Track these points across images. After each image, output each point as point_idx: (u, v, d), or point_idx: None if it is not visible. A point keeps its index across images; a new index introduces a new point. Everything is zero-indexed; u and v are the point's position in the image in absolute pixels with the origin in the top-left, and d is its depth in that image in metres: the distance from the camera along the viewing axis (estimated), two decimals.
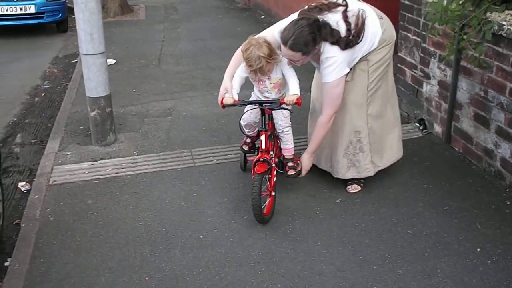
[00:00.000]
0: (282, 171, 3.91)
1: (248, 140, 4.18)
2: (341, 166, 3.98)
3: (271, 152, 3.74)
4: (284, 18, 3.66)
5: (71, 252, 3.47)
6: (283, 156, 3.98)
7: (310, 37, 3.37)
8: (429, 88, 4.88)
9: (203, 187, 4.20)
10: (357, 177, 4.02)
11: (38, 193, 4.25)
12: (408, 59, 5.18)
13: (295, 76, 3.66)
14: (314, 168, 4.30)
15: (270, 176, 3.67)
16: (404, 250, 3.35)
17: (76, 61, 8.50)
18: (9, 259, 3.57)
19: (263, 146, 3.62)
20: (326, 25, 3.44)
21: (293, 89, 3.61)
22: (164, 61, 8.06)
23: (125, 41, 9.45)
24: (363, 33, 3.55)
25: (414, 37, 5.03)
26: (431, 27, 4.11)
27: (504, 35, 3.72)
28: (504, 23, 3.70)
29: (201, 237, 3.56)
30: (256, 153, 3.98)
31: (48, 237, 3.65)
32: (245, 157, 4.32)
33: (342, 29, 3.49)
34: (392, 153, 4.12)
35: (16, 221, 4.09)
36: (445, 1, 3.92)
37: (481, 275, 3.12)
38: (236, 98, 3.66)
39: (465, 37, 3.88)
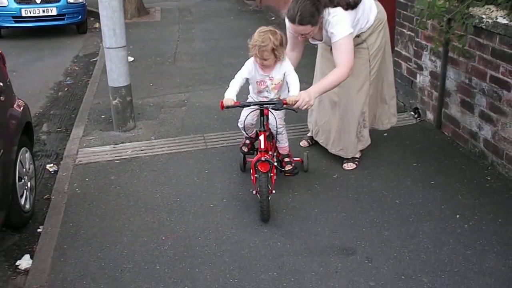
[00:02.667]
0: (282, 169, 4.13)
1: (248, 141, 4.29)
2: (353, 147, 4.42)
3: (270, 152, 3.91)
4: None
5: (97, 217, 3.94)
6: (279, 153, 4.20)
7: (313, 8, 3.70)
8: (422, 79, 5.31)
9: (214, 166, 4.65)
10: (362, 148, 4.52)
11: (66, 171, 4.73)
12: (404, 52, 5.61)
13: (297, 78, 3.79)
14: (314, 148, 4.77)
15: (271, 174, 3.78)
16: (391, 216, 3.78)
17: (96, 60, 9.02)
18: (41, 226, 4.04)
19: (262, 146, 3.71)
20: None
21: (294, 90, 3.71)
22: (179, 59, 8.55)
23: (142, 41, 9.95)
24: (360, 1, 3.91)
25: (408, 32, 5.46)
26: (420, 21, 4.55)
27: (484, 27, 4.14)
28: (484, 16, 4.12)
29: (211, 205, 4.02)
30: (255, 153, 4.16)
31: (76, 206, 4.13)
32: (244, 157, 4.41)
33: None
34: (373, 119, 4.61)
35: (46, 196, 4.57)
36: None
37: (457, 236, 3.54)
38: (235, 99, 3.72)
39: (449, 30, 4.31)
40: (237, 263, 3.34)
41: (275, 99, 3.85)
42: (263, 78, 3.85)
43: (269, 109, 3.79)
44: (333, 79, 3.85)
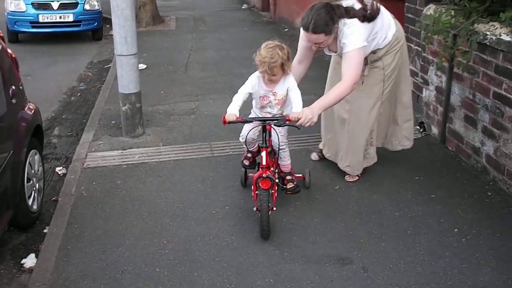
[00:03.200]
0: (283, 186, 4.06)
1: (249, 155, 4.26)
2: (360, 164, 4.40)
3: (272, 168, 3.83)
4: None
5: (101, 220, 4.03)
6: (281, 170, 4.15)
7: (328, 17, 3.66)
8: (428, 94, 5.36)
9: (219, 174, 4.73)
10: (366, 166, 4.47)
11: (74, 174, 4.83)
12: (411, 67, 5.65)
13: (299, 94, 3.77)
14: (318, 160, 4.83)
15: (272, 191, 3.74)
16: (389, 228, 3.83)
17: (110, 66, 9.16)
18: (47, 227, 4.13)
19: (264, 163, 3.67)
20: (339, 6, 3.75)
21: (297, 107, 3.69)
22: (191, 68, 8.68)
23: (156, 49, 10.11)
24: (379, 13, 3.86)
25: (416, 47, 5.52)
26: (425, 36, 4.61)
27: (488, 44, 4.19)
28: (488, 33, 4.17)
29: (214, 212, 4.09)
30: (256, 168, 4.16)
31: (82, 208, 4.22)
32: (245, 172, 4.39)
33: (357, 7, 3.80)
34: (384, 138, 4.59)
35: (53, 198, 4.66)
36: (437, 14, 4.42)
37: (453, 249, 3.58)
38: (238, 114, 3.70)
39: (454, 45, 4.37)
40: (234, 269, 3.41)
41: (278, 115, 3.84)
42: (266, 93, 3.83)
43: (272, 125, 3.76)
44: (337, 93, 3.81)
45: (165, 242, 3.73)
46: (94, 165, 4.99)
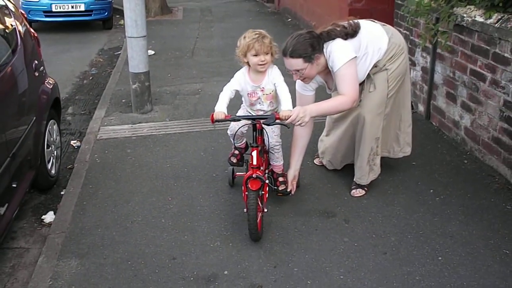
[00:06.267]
0: (274, 187, 3.97)
1: (237, 152, 4.21)
2: (364, 173, 4.13)
3: (261, 168, 3.68)
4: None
5: (113, 181, 4.49)
6: (273, 171, 4.07)
7: (307, 43, 3.56)
8: (415, 74, 5.78)
9: (220, 144, 5.18)
10: (373, 179, 4.22)
11: (88, 145, 5.30)
12: None
13: (287, 90, 3.62)
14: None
15: (263, 192, 3.61)
16: (371, 189, 4.25)
17: (119, 53, 9.61)
18: (64, 190, 4.59)
19: (254, 162, 3.53)
20: (321, 32, 3.69)
21: (286, 104, 3.55)
22: (197, 54, 9.12)
23: (163, 37, 10.55)
24: (360, 27, 3.75)
25: (404, 31, 5.93)
26: (409, 18, 5.04)
27: (465, 25, 4.60)
28: (465, 15, 4.59)
29: (214, 175, 4.54)
30: (245, 167, 4.06)
31: (96, 172, 4.68)
32: (233, 171, 4.31)
33: (338, 28, 3.71)
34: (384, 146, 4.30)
35: (69, 166, 5.12)
36: None
37: (427, 206, 4.01)
38: (226, 112, 3.60)
39: (434, 27, 4.79)
40: (231, 220, 3.86)
41: (269, 112, 3.74)
42: (254, 89, 3.74)
43: (261, 124, 3.66)
44: (335, 104, 3.71)
45: (170, 199, 4.18)
46: (106, 137, 5.45)
